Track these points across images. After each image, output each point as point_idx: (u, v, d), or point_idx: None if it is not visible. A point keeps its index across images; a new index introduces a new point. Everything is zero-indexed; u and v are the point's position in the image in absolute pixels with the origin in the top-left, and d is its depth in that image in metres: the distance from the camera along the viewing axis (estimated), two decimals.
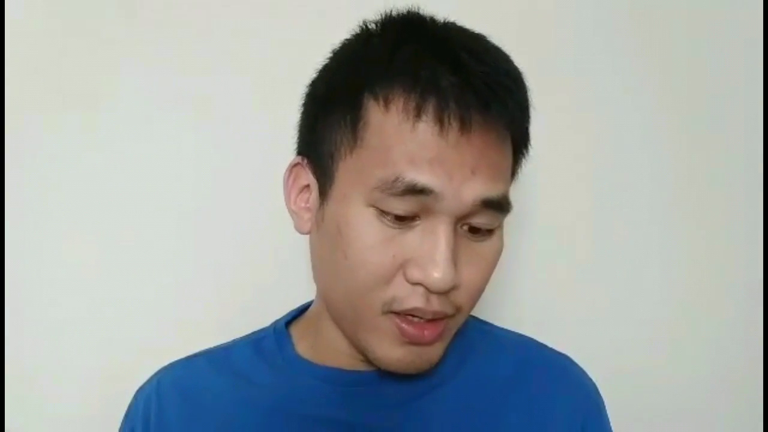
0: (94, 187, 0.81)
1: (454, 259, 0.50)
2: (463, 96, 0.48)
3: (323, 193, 0.54)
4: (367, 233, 0.50)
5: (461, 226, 0.51)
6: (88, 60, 0.80)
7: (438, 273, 0.49)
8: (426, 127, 0.48)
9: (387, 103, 0.50)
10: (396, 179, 0.49)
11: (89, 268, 0.81)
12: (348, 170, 0.52)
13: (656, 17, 0.88)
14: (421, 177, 0.48)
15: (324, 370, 0.59)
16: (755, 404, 0.87)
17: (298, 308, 0.66)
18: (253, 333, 0.66)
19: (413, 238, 0.50)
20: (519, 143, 0.55)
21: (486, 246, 0.53)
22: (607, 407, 0.65)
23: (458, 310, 0.53)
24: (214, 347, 0.65)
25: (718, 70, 0.89)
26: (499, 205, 0.52)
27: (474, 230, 0.52)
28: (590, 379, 0.65)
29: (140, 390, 0.62)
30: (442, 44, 0.51)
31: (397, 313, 0.51)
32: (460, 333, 0.63)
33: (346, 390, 0.58)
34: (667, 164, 0.88)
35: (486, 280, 0.54)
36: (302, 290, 0.67)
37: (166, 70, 0.82)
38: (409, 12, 0.54)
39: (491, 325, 0.68)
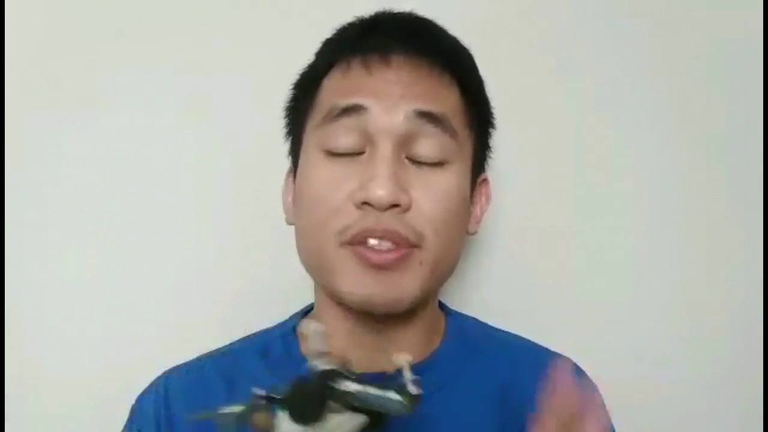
0: (94, 187, 0.81)
1: (397, 178, 0.53)
2: (384, 44, 0.57)
3: (296, 171, 0.61)
4: (318, 173, 0.56)
5: (407, 159, 0.55)
6: (88, 60, 0.81)
7: (378, 186, 0.52)
8: (354, 73, 0.57)
9: (329, 74, 0.59)
10: (332, 108, 0.56)
11: (89, 268, 0.81)
12: (306, 134, 0.60)
13: (654, 17, 0.88)
14: (353, 98, 0.55)
15: None
16: (755, 404, 0.87)
17: (304, 309, 0.66)
18: (260, 334, 0.66)
19: (359, 169, 0.54)
20: (468, 91, 0.60)
21: (437, 176, 0.56)
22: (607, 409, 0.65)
23: (421, 238, 0.54)
24: (219, 350, 0.65)
25: (718, 70, 0.89)
26: (439, 122, 0.55)
27: (422, 163, 0.56)
28: (590, 380, 0.64)
29: (145, 394, 0.62)
30: (372, 19, 0.61)
31: (353, 243, 0.53)
32: (462, 335, 0.63)
33: None
34: (666, 164, 0.88)
35: (447, 211, 0.56)
36: (304, 290, 0.67)
37: (166, 70, 0.82)
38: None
39: (494, 327, 0.68)
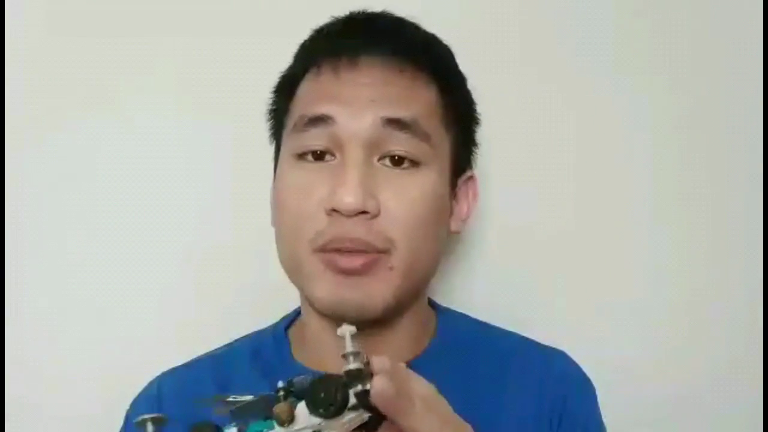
0: (94, 187, 0.81)
1: (366, 185, 0.53)
2: (353, 47, 0.57)
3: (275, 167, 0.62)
4: (290, 179, 0.57)
5: (379, 159, 0.55)
6: (89, 60, 0.81)
7: (345, 193, 0.52)
8: (324, 78, 0.57)
9: (303, 76, 0.60)
10: (301, 118, 0.56)
11: (89, 268, 0.81)
12: (283, 142, 0.60)
13: (650, 13, 0.88)
14: (320, 108, 0.55)
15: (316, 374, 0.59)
16: (755, 404, 0.87)
17: (295, 310, 0.66)
18: (253, 335, 0.66)
19: (329, 174, 0.54)
20: (446, 89, 0.60)
21: (410, 179, 0.55)
22: (605, 407, 0.64)
23: (391, 243, 0.54)
24: (212, 352, 0.65)
25: (717, 70, 0.89)
26: (409, 128, 0.55)
27: (396, 162, 0.55)
28: (580, 370, 0.65)
29: (138, 397, 0.62)
30: (345, 21, 0.61)
31: (324, 251, 0.54)
32: (453, 332, 0.64)
33: None
34: (666, 164, 0.88)
35: (417, 215, 0.55)
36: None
37: (167, 70, 0.82)
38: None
39: (486, 324, 0.68)
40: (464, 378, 0.60)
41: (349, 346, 0.38)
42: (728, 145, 0.89)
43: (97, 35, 0.81)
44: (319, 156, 0.56)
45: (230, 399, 0.40)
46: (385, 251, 0.54)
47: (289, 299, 0.66)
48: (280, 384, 0.38)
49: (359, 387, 0.37)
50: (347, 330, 0.39)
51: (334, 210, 0.53)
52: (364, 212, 0.53)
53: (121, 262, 0.81)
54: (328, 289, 0.54)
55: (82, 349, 0.80)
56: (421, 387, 0.41)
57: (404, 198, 0.55)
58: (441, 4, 0.80)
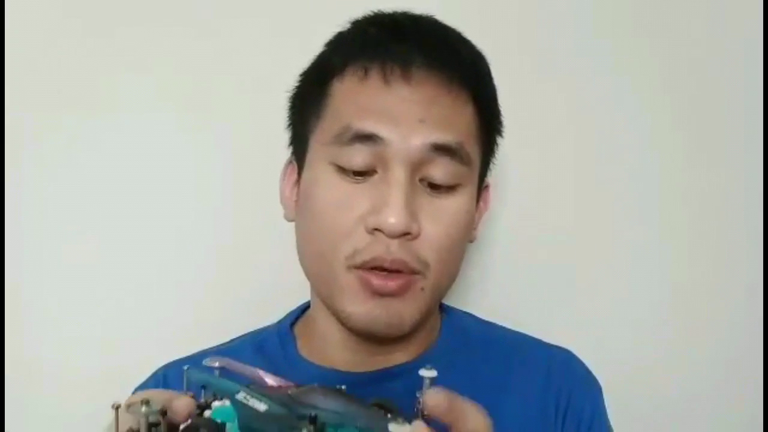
0: (94, 187, 0.81)
1: (410, 207, 0.52)
2: (404, 54, 0.54)
3: (300, 171, 0.59)
4: (328, 190, 0.55)
5: (420, 181, 0.54)
6: (88, 60, 0.80)
7: (391, 214, 0.51)
8: (372, 84, 0.54)
9: (343, 75, 0.56)
10: (346, 129, 0.53)
11: (89, 268, 0.81)
12: (316, 141, 0.57)
13: (654, 20, 0.88)
14: (368, 124, 0.53)
15: (322, 370, 0.59)
16: (755, 404, 0.87)
17: (300, 307, 0.67)
18: (257, 332, 0.66)
19: (371, 191, 0.53)
20: (483, 107, 0.58)
21: (448, 202, 0.55)
22: (607, 407, 0.65)
23: (425, 266, 0.54)
24: (218, 346, 0.65)
25: (718, 70, 0.89)
26: (454, 153, 0.54)
27: (435, 187, 0.55)
28: (586, 368, 0.65)
29: (147, 382, 0.62)
30: (393, 23, 0.57)
31: (361, 268, 0.53)
32: (458, 331, 0.64)
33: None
34: (666, 163, 0.88)
35: (452, 238, 0.55)
36: (304, 289, 0.67)
37: (166, 70, 0.82)
38: (381, 11, 0.59)
39: (491, 323, 0.68)
40: (469, 376, 0.60)
41: (426, 389, 0.37)
42: (728, 145, 0.89)
43: (98, 35, 0.81)
44: (360, 171, 0.54)
45: (240, 398, 0.38)
46: (419, 273, 0.54)
47: (291, 298, 0.67)
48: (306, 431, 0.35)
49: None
50: (427, 374, 0.38)
51: (376, 229, 0.52)
52: (406, 233, 0.52)
53: (122, 262, 0.81)
54: (360, 307, 0.54)
55: (82, 349, 0.80)
56: (476, 420, 0.40)
57: (441, 221, 0.55)
58: (444, 6, 0.81)
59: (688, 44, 0.89)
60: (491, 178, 0.66)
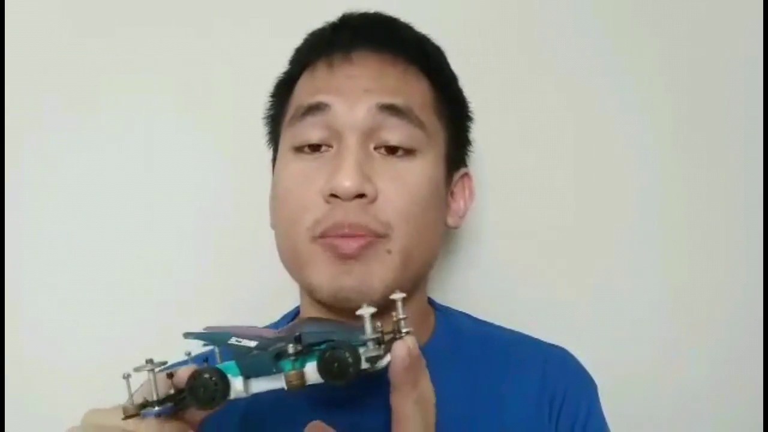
0: (94, 187, 0.81)
1: (362, 169, 0.54)
2: (346, 42, 0.59)
3: (273, 168, 0.62)
4: (288, 171, 0.58)
5: (376, 149, 0.56)
6: (88, 60, 0.81)
7: (343, 177, 0.53)
8: (320, 73, 0.59)
9: (299, 78, 0.61)
10: (298, 108, 0.58)
11: (89, 268, 0.81)
12: (281, 138, 0.61)
13: (650, 13, 0.88)
14: (316, 98, 0.57)
15: None
16: (755, 404, 0.87)
17: (296, 309, 0.67)
18: None
19: (327, 164, 0.56)
20: (437, 83, 0.61)
21: (407, 165, 0.57)
22: (605, 408, 0.64)
23: (388, 227, 0.55)
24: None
25: (717, 69, 0.89)
26: (404, 114, 0.56)
27: (391, 150, 0.56)
28: (582, 367, 0.65)
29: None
30: (338, 21, 0.62)
31: (323, 237, 0.54)
32: (452, 330, 0.64)
33: (336, 394, 0.58)
34: (666, 163, 0.88)
35: (414, 201, 0.56)
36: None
37: (166, 70, 0.82)
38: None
39: (485, 322, 0.68)
40: (464, 376, 0.60)
41: (369, 327, 0.39)
42: (728, 145, 0.89)
43: (98, 35, 0.81)
44: (315, 147, 0.57)
45: (232, 342, 0.41)
46: (383, 236, 0.55)
47: (288, 300, 0.67)
48: (290, 349, 0.39)
49: (374, 353, 0.38)
50: (367, 311, 0.40)
51: (332, 195, 0.54)
52: (361, 196, 0.54)
53: (122, 262, 0.81)
54: (326, 275, 0.54)
55: (82, 350, 0.80)
56: (428, 387, 0.42)
57: (400, 183, 0.56)
58: (434, 4, 0.81)
59: (688, 44, 0.89)
60: (488, 176, 0.66)
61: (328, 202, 0.54)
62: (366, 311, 0.39)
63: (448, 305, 0.69)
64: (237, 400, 0.41)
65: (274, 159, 0.64)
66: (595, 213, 0.87)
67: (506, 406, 0.59)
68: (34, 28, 0.80)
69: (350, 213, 0.53)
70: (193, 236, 0.82)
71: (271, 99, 0.66)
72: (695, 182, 0.88)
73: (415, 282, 0.60)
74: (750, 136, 0.89)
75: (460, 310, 0.69)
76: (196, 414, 0.43)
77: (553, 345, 0.66)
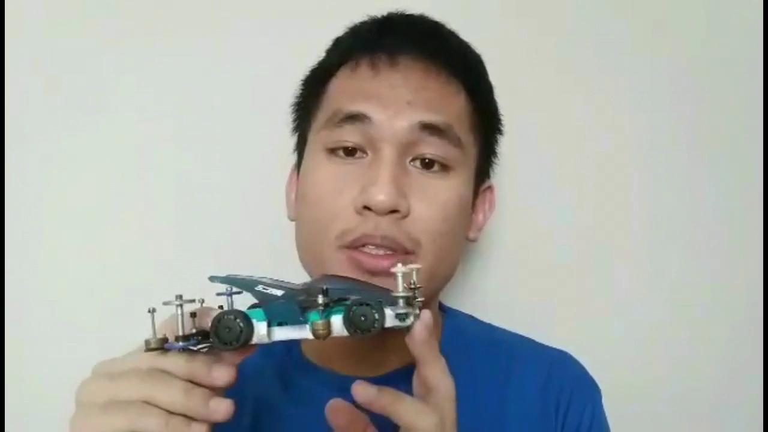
0: (94, 187, 0.81)
1: (398, 183, 0.53)
2: (392, 45, 0.57)
3: (299, 168, 0.61)
4: (320, 174, 0.56)
5: (411, 161, 0.55)
6: (89, 60, 0.81)
7: (378, 191, 0.52)
8: (362, 73, 0.57)
9: (337, 73, 0.59)
10: (336, 113, 0.56)
11: (89, 268, 0.81)
12: (311, 134, 0.60)
13: (657, 20, 0.88)
14: (357, 106, 0.55)
15: (323, 373, 0.60)
16: (755, 404, 0.87)
17: None
18: None
19: (361, 173, 0.54)
20: (476, 97, 0.60)
21: (440, 182, 0.56)
22: (607, 408, 0.65)
23: (417, 245, 0.54)
24: None
25: (718, 70, 0.89)
26: (443, 133, 0.55)
27: (427, 165, 0.55)
28: (585, 371, 0.65)
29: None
30: (383, 20, 0.61)
31: (351, 247, 0.54)
32: (460, 334, 0.64)
33: (343, 395, 0.58)
34: (666, 164, 0.88)
35: (445, 220, 0.56)
36: None
37: (166, 70, 0.82)
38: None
39: (493, 326, 0.68)
40: (470, 379, 0.60)
41: (401, 285, 0.41)
42: (729, 146, 0.89)
43: (98, 35, 0.81)
44: (350, 152, 0.56)
45: (259, 289, 0.42)
46: (411, 252, 0.54)
47: None
48: (320, 300, 0.40)
49: (404, 311, 0.40)
50: (400, 270, 0.41)
51: (365, 207, 0.53)
52: (394, 211, 0.53)
53: (122, 262, 0.81)
54: None
55: (81, 349, 0.79)
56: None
57: (433, 201, 0.55)
58: (450, 7, 0.81)
59: (688, 44, 0.89)
60: (493, 180, 0.66)
61: (359, 213, 0.53)
62: (399, 270, 0.41)
63: (453, 307, 0.69)
64: (259, 345, 0.42)
65: (299, 146, 0.63)
66: (596, 215, 0.87)
67: (510, 409, 0.59)
68: (34, 29, 0.80)
69: (381, 226, 0.53)
70: (194, 236, 0.82)
71: (302, 87, 0.64)
72: (696, 183, 0.89)
73: (432, 296, 0.60)
74: (750, 137, 0.89)
75: (465, 312, 0.70)
76: (235, 355, 0.43)
77: (557, 349, 0.66)
